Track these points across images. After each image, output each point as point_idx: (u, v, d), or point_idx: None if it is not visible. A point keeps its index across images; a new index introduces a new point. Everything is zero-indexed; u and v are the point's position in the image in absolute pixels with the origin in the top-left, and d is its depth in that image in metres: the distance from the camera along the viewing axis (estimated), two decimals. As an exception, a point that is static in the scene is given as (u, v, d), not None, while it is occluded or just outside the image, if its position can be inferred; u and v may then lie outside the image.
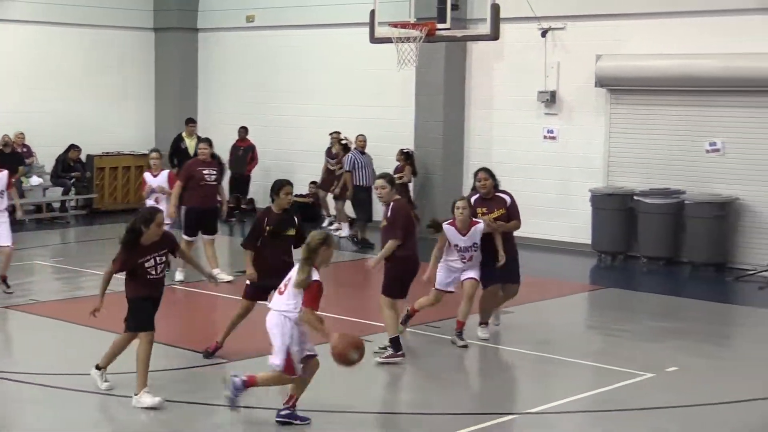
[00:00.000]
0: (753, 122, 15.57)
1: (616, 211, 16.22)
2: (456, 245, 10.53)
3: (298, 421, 8.12)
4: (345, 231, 18.74)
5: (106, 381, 9.06)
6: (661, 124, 16.46)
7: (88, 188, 21.10)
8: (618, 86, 16.74)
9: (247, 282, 10.18)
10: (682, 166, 16.22)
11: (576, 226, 16.76)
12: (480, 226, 10.56)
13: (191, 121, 20.86)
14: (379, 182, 10.28)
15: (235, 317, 10.33)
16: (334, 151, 19.16)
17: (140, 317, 8.82)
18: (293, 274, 8.09)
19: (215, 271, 13.18)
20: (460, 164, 18.70)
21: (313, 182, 20.24)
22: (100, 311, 8.78)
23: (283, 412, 8.15)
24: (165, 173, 14.34)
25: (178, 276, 13.99)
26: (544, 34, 17.53)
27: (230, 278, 13.87)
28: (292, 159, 21.04)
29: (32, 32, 20.91)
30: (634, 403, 8.87)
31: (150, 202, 13.86)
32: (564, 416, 7.90)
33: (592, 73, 16.82)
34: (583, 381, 9.71)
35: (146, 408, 8.55)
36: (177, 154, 20.28)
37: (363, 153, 18.11)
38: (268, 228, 9.92)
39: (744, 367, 10.28)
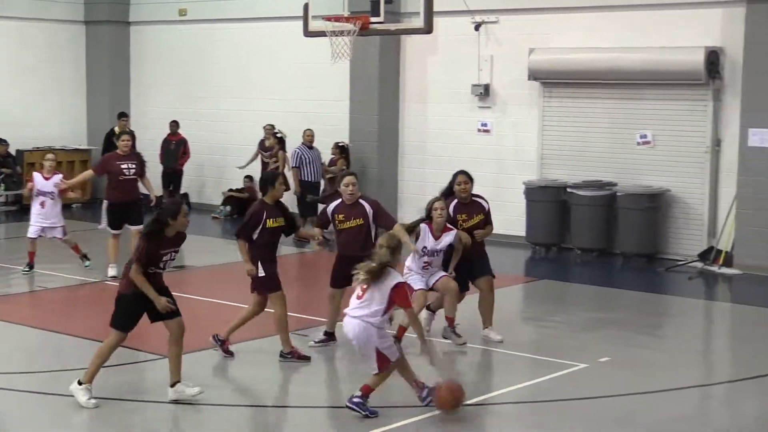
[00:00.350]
0: (682, 115, 15.83)
1: (549, 203, 16.39)
2: (424, 247, 10.20)
3: (365, 412, 8.10)
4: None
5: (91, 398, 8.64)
6: (593, 116, 16.65)
7: (17, 184, 20.75)
8: (550, 79, 16.90)
9: (262, 274, 9.86)
10: (614, 158, 16.44)
11: (510, 218, 16.91)
12: (453, 234, 10.31)
13: (123, 116, 20.65)
14: (351, 179, 10.13)
15: (249, 314, 10.14)
16: (267, 144, 19.09)
17: (124, 317, 8.64)
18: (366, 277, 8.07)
19: (111, 265, 13.79)
20: (395, 157, 18.75)
21: (248, 176, 20.16)
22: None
23: (354, 399, 8.13)
24: (57, 177, 14.24)
25: (111, 272, 13.85)
26: (477, 27, 17.62)
27: (115, 273, 13.84)
28: (226, 153, 20.93)
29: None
30: (567, 393, 8.98)
31: (35, 205, 14.10)
32: (499, 407, 7.96)
33: (525, 66, 16.96)
34: (518, 372, 9.79)
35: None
36: (110, 149, 20.03)
37: (311, 148, 17.99)
38: (269, 221, 9.81)
39: (674, 356, 10.47)
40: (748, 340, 11.38)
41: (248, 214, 9.98)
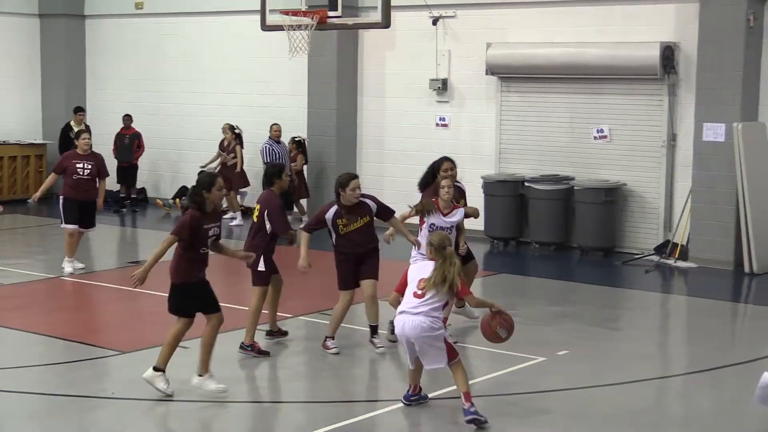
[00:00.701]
0: (638, 109, 15.95)
1: (507, 197, 16.46)
2: (432, 224, 10.12)
3: (483, 417, 7.94)
4: (239, 220, 18.67)
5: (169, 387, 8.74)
6: (550, 111, 16.74)
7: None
8: (508, 74, 16.96)
9: (262, 269, 9.93)
10: (571, 152, 16.54)
11: (468, 212, 16.88)
12: (462, 210, 10.39)
13: (80, 110, 20.49)
14: (357, 182, 9.93)
15: (259, 307, 10.15)
16: (226, 142, 18.99)
17: (183, 302, 8.65)
18: (426, 275, 8.00)
19: (66, 261, 13.79)
20: (353, 151, 18.74)
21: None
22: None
23: (470, 415, 7.93)
24: None
25: (68, 268, 13.73)
26: (435, 22, 17.64)
27: (72, 271, 13.75)
28: (182, 148, 20.82)
29: None
30: (526, 386, 9.02)
31: None
32: (456, 402, 7.98)
33: (482, 61, 17.01)
34: (477, 366, 9.83)
35: (210, 391, 8.53)
36: (66, 144, 19.86)
37: (278, 142, 17.88)
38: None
39: (632, 349, 10.55)
40: (704, 332, 11.51)
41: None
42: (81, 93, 22.12)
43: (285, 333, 10.63)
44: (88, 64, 22.26)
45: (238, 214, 18.82)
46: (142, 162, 20.59)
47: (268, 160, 17.54)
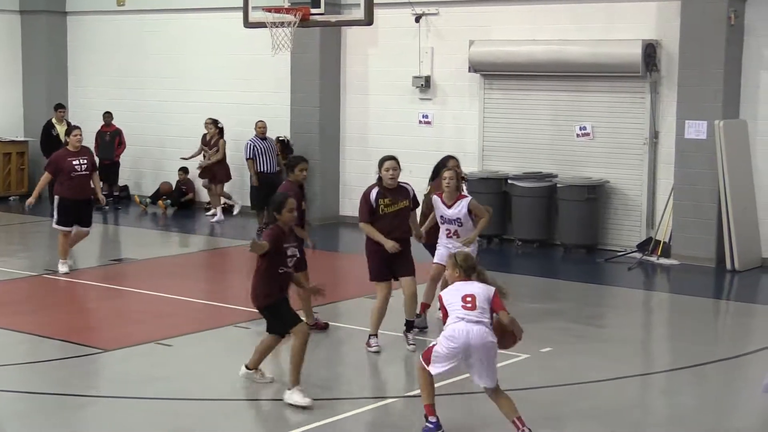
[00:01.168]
0: (620, 107, 16.00)
1: (490, 194, 16.43)
2: (441, 216, 10.59)
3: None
4: (219, 215, 18.67)
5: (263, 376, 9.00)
6: (533, 108, 16.77)
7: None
8: (491, 71, 16.99)
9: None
10: (554, 150, 16.58)
11: (451, 210, 16.89)
12: (466, 200, 10.55)
13: (60, 107, 20.39)
14: (392, 163, 10.08)
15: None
16: (209, 137, 18.97)
17: (284, 319, 8.58)
18: (477, 289, 7.69)
19: (61, 262, 13.58)
20: (336, 149, 18.73)
21: (183, 168, 19.96)
22: None
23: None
24: None
25: (62, 269, 13.61)
26: (417, 19, 17.65)
27: (66, 270, 13.57)
28: (165, 145, 20.76)
29: None
30: (509, 383, 9.00)
31: None
32: (437, 399, 7.96)
33: (465, 58, 17.02)
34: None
35: (296, 406, 8.33)
36: (48, 142, 19.80)
37: (264, 139, 17.86)
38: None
39: (615, 346, 10.60)
40: (687, 329, 11.57)
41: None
42: (62, 90, 22.02)
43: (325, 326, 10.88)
44: (70, 61, 22.15)
45: (219, 210, 18.80)
46: (124, 159, 20.52)
47: (250, 157, 17.52)
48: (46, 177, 13.85)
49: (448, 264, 7.95)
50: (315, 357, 9.64)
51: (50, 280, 13.44)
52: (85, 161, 13.62)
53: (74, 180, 13.49)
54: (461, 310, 7.59)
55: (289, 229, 8.57)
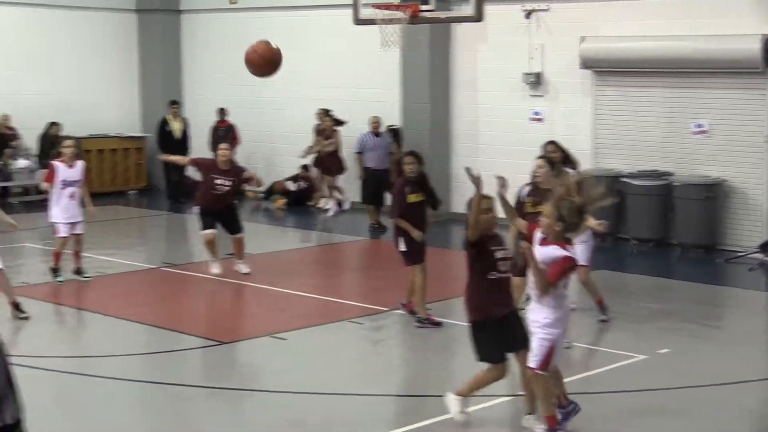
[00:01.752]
0: (738, 104, 15.58)
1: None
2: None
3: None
4: (333, 208, 18.81)
5: (462, 412, 7.74)
6: (647, 105, 16.46)
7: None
8: (603, 68, 16.71)
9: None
10: (670, 147, 16.23)
11: (564, 208, 16.69)
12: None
13: (174, 103, 20.78)
14: (409, 158, 10.89)
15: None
16: (323, 127, 19.09)
17: (486, 346, 7.57)
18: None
19: (239, 264, 13.12)
20: (447, 146, 18.68)
21: (304, 166, 20.06)
22: None
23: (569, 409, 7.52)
24: (80, 164, 12.91)
25: (215, 270, 13.04)
26: (528, 15, 17.48)
27: (248, 270, 13.06)
28: (276, 141, 20.98)
29: (17, 14, 20.67)
30: (627, 384, 8.88)
31: (62, 198, 12.65)
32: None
33: (576, 54, 16.79)
34: (575, 363, 9.71)
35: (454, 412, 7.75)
36: (162, 138, 20.24)
37: (377, 135, 17.94)
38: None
39: (736, 348, 10.32)
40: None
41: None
42: (177, 86, 22.44)
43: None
44: (184, 58, 22.57)
45: (332, 203, 18.95)
46: (237, 155, 20.77)
47: (359, 151, 17.79)
48: (185, 160, 14.45)
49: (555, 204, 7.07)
50: (431, 355, 9.63)
51: (168, 273, 13.68)
52: (230, 184, 12.92)
53: (212, 195, 12.92)
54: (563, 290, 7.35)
55: (495, 234, 7.60)
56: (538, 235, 7.19)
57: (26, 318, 10.90)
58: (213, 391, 8.81)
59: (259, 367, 9.49)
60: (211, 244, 12.97)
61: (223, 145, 13.30)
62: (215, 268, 12.96)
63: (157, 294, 12.69)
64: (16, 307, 10.92)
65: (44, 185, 13.00)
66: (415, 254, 10.71)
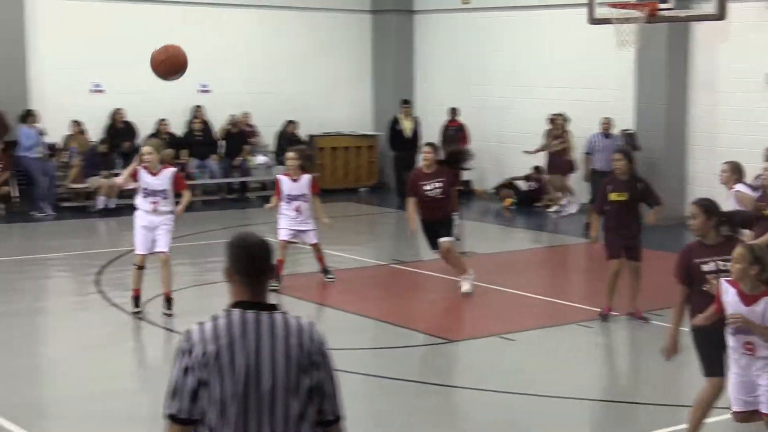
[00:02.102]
0: None
1: None
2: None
3: None
4: (567, 206, 18.77)
5: None
6: None
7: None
8: None
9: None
10: None
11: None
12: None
13: (406, 103, 21.08)
14: (426, 149, 11.88)
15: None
16: (556, 130, 18.92)
17: (705, 359, 7.02)
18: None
19: (463, 277, 12.19)
20: (682, 148, 18.09)
21: (536, 167, 19.92)
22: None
23: None
24: (306, 178, 12.46)
25: (465, 287, 12.27)
26: (773, 12, 16.72)
27: (468, 289, 12.17)
28: (505, 141, 20.92)
29: (257, 16, 21.51)
30: None
31: (287, 210, 12.33)
32: None
33: (827, 53, 15.92)
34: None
35: None
36: (393, 137, 20.61)
37: (606, 136, 17.68)
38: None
39: None
40: None
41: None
42: (409, 86, 22.75)
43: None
44: (416, 58, 22.87)
45: (566, 201, 18.82)
46: (465, 154, 20.88)
47: (587, 152, 17.67)
48: (411, 201, 12.38)
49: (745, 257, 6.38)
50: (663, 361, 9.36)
51: (397, 270, 13.88)
52: (440, 184, 12.03)
53: (425, 203, 12.15)
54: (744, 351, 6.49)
55: (715, 242, 7.14)
56: (730, 290, 6.47)
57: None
58: (437, 388, 8.84)
59: (486, 368, 9.48)
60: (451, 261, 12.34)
61: (426, 148, 12.44)
62: (466, 285, 12.22)
63: (386, 290, 12.89)
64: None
65: (269, 205, 12.77)
66: (610, 248, 10.87)
